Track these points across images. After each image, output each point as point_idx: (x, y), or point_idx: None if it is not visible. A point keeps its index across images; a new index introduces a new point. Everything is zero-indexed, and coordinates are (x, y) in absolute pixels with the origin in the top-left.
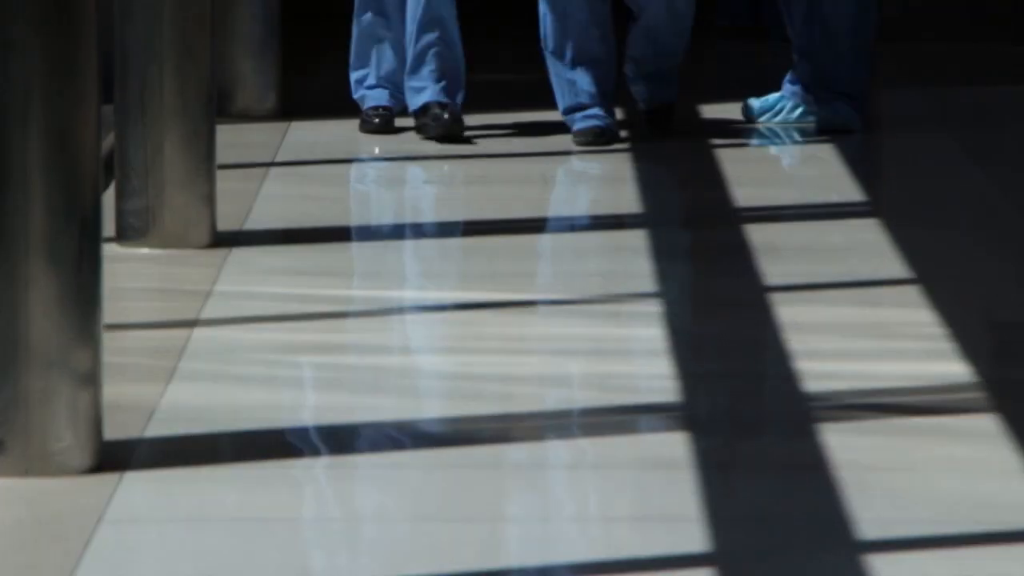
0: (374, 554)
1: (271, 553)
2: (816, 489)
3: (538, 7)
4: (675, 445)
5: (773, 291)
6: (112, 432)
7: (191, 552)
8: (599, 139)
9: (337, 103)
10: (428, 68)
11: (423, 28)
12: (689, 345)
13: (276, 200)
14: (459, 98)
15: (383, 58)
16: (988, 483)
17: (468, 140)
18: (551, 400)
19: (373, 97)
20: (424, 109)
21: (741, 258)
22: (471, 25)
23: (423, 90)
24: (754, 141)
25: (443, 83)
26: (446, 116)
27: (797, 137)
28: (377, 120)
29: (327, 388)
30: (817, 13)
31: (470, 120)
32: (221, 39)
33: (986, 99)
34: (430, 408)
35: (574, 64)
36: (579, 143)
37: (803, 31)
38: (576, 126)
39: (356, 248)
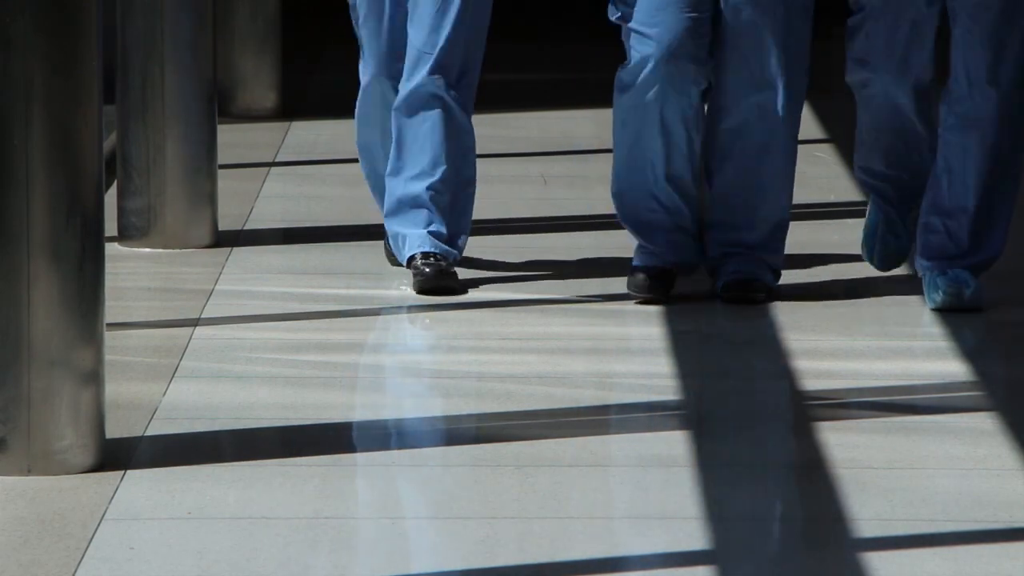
0: (374, 552)
1: (272, 551)
2: (815, 488)
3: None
4: (675, 444)
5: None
6: (114, 430)
7: (192, 550)
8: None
9: (337, 103)
10: (410, 209)
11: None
12: (689, 344)
13: (277, 200)
14: (459, 240)
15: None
16: (986, 481)
17: (460, 291)
18: (551, 399)
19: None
20: (408, 261)
21: None
22: None
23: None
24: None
25: (431, 226)
26: (427, 270)
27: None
28: (428, 270)
29: (327, 387)
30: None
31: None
32: (222, 39)
33: None
34: (430, 407)
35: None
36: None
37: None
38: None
39: (356, 248)
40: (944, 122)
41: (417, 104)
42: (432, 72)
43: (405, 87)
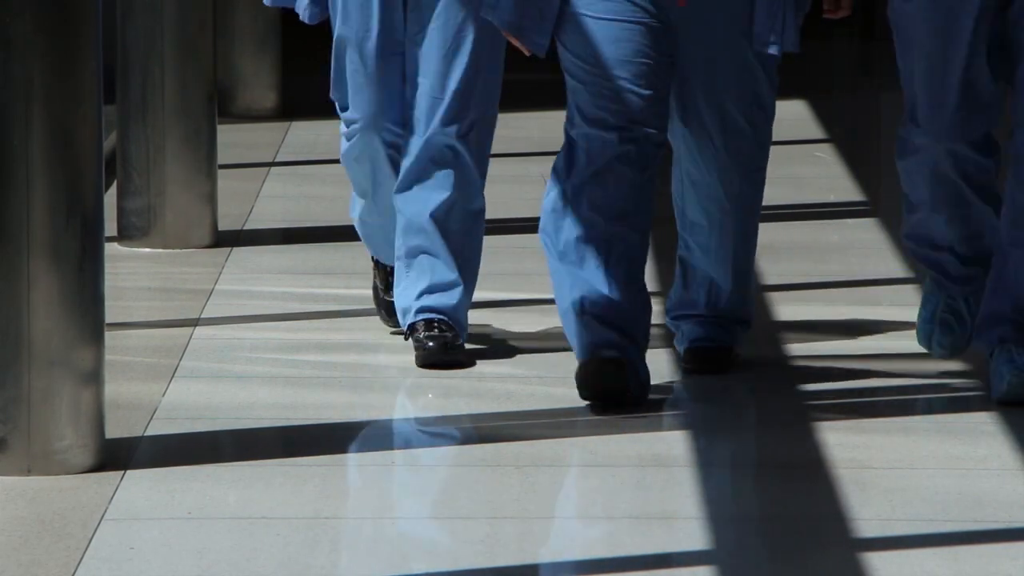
0: (374, 552)
1: (272, 551)
2: (815, 488)
3: None
4: (675, 444)
5: (772, 290)
6: (114, 430)
7: (192, 549)
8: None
9: None
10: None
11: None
12: None
13: (277, 200)
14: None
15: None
16: (986, 481)
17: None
18: (551, 399)
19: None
20: (409, 329)
21: None
22: None
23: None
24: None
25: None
26: (431, 344)
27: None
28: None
29: (327, 387)
30: None
31: None
32: (222, 39)
33: None
34: (430, 407)
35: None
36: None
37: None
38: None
39: (356, 248)
40: None
41: (427, 157)
42: (444, 123)
43: (416, 141)
